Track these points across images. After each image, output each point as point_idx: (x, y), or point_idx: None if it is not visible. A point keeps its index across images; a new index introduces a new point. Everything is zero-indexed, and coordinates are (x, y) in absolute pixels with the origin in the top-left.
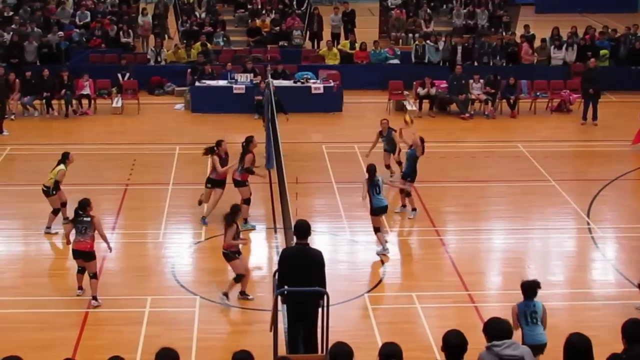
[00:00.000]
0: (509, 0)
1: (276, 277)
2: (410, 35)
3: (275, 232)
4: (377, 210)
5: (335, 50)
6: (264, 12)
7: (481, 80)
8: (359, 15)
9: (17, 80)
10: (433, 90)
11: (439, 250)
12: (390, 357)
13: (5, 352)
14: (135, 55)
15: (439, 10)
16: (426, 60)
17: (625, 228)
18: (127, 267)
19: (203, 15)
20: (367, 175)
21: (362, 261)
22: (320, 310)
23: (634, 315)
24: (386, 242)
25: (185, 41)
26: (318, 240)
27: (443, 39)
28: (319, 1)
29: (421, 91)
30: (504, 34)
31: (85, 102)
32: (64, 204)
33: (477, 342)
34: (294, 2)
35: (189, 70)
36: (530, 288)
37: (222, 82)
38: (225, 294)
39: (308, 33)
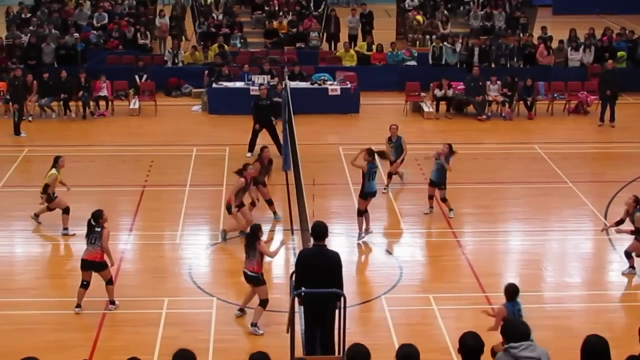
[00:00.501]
0: (526, 2)
1: (293, 278)
2: (428, 36)
3: (292, 233)
4: (367, 195)
5: (352, 51)
6: (281, 13)
7: (498, 82)
8: (376, 16)
9: (35, 81)
10: (450, 92)
11: (456, 252)
12: (407, 359)
13: (22, 353)
14: (152, 56)
15: (456, 12)
16: (443, 62)
17: None
18: (144, 269)
19: (220, 16)
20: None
21: (378, 263)
22: (337, 311)
23: None
24: (367, 231)
25: (202, 43)
26: (335, 242)
27: (460, 40)
28: (337, 3)
29: (438, 93)
30: (521, 35)
31: (102, 103)
32: (50, 210)
33: (494, 343)
34: (311, 4)
35: (206, 71)
36: (514, 291)
37: (239, 84)
38: (255, 325)
39: (325, 34)
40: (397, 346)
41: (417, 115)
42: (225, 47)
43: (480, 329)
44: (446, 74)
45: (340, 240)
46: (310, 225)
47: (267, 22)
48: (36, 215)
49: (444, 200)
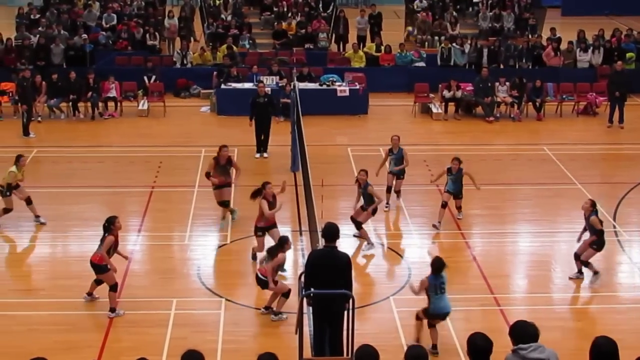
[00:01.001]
0: (536, 3)
1: (302, 279)
2: (436, 37)
3: (301, 234)
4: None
5: (361, 52)
6: (289, 14)
7: (507, 83)
8: (384, 17)
9: (44, 82)
10: (459, 93)
11: (464, 253)
12: None
13: (31, 353)
14: (161, 57)
15: (464, 13)
16: (452, 63)
17: None
18: (152, 269)
19: (229, 17)
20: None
21: (387, 264)
22: (346, 312)
23: None
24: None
25: (211, 44)
26: (343, 243)
27: (469, 41)
28: (345, 4)
29: (447, 94)
30: (530, 36)
31: (111, 104)
32: (28, 201)
33: (503, 344)
34: (320, 5)
35: (214, 72)
36: (440, 266)
37: (247, 85)
38: (279, 313)
39: (334, 35)
40: (405, 347)
41: (425, 117)
42: (234, 48)
43: (489, 330)
44: (455, 75)
45: (349, 242)
46: (318, 226)
47: (275, 23)
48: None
49: (459, 209)
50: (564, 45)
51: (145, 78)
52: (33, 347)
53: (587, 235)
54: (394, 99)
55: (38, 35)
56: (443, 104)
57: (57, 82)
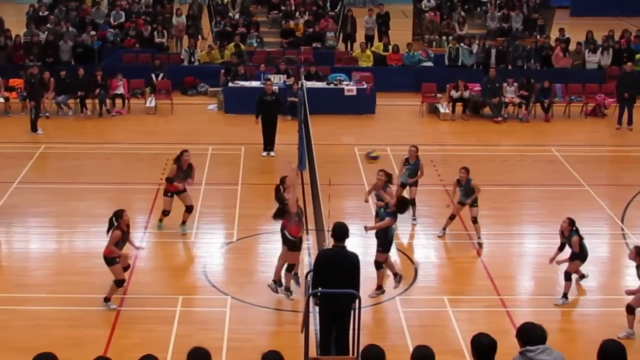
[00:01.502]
0: (544, 3)
1: (309, 278)
2: (444, 37)
3: (307, 233)
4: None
5: (368, 52)
6: (297, 13)
7: (515, 84)
8: (392, 17)
9: (52, 79)
10: (466, 93)
11: (471, 254)
12: None
13: (37, 348)
14: (169, 55)
15: (473, 13)
16: (460, 63)
17: None
18: (158, 266)
19: (237, 16)
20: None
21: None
22: (352, 312)
23: None
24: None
25: (218, 42)
26: (350, 242)
27: (477, 41)
28: (353, 3)
29: (454, 94)
30: (538, 37)
31: (118, 101)
32: None
33: (509, 346)
34: (328, 4)
35: (222, 71)
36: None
37: (255, 83)
38: (288, 289)
39: (341, 35)
40: (411, 348)
41: (433, 117)
42: (242, 46)
43: (495, 331)
44: (463, 75)
45: (355, 241)
46: (325, 225)
47: (283, 22)
48: None
49: (475, 221)
50: (572, 46)
51: (153, 76)
52: (39, 342)
53: (563, 255)
54: (401, 98)
55: (47, 32)
56: (450, 104)
57: (65, 79)
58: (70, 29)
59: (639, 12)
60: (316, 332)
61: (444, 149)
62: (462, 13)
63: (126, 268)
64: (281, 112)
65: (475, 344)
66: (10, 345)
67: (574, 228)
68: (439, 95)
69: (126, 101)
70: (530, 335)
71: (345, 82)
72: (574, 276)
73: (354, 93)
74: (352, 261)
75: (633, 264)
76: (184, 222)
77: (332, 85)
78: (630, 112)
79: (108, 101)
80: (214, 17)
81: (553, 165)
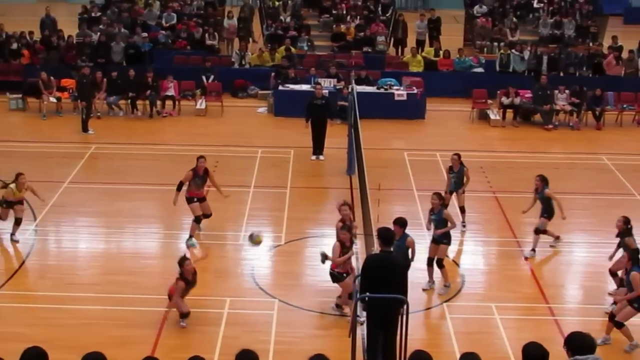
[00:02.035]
0: (597, 11)
1: (356, 283)
2: (495, 43)
3: (355, 237)
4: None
5: (419, 57)
6: (348, 17)
7: (566, 91)
8: (443, 22)
9: (104, 79)
10: (517, 100)
11: (519, 262)
12: None
13: (85, 347)
14: (219, 57)
15: (525, 19)
16: (511, 70)
17: None
18: (206, 268)
19: (288, 19)
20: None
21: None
22: (399, 317)
23: None
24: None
25: (269, 45)
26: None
27: (528, 48)
28: (405, 8)
29: (505, 100)
30: (590, 44)
31: (169, 103)
32: (17, 221)
33: (556, 355)
34: (379, 8)
35: (272, 73)
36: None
37: (305, 87)
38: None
39: (392, 39)
40: (458, 354)
41: (483, 123)
42: (292, 49)
43: (543, 340)
44: (513, 81)
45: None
46: (374, 231)
47: (334, 26)
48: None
49: (543, 232)
50: (625, 54)
51: (204, 77)
52: (87, 341)
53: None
54: (451, 104)
55: (99, 33)
56: (501, 110)
57: (116, 79)
58: (122, 30)
59: None
60: (363, 337)
61: (493, 156)
62: (514, 19)
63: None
64: (331, 116)
65: (526, 354)
66: (58, 344)
67: (629, 226)
68: (489, 101)
69: (176, 103)
70: (579, 344)
71: (395, 87)
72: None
73: (404, 98)
74: (400, 266)
75: None
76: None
77: (382, 90)
78: None
79: (158, 102)
80: (265, 20)
81: (604, 174)
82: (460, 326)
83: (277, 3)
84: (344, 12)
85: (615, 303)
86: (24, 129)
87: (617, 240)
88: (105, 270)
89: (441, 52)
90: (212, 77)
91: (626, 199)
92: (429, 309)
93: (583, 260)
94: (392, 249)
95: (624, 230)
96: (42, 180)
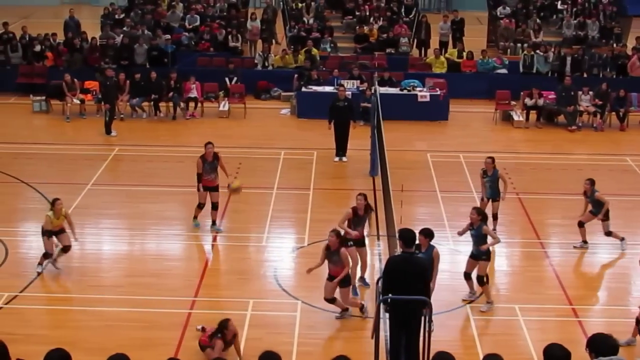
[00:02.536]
0: (621, 12)
1: (379, 284)
2: (519, 45)
3: (378, 239)
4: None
5: (442, 58)
6: (371, 19)
7: (590, 92)
8: (467, 24)
9: (128, 81)
10: (541, 101)
11: (542, 263)
12: None
13: (109, 349)
14: (242, 59)
15: (548, 20)
16: (534, 71)
17: None
18: (229, 270)
19: (311, 21)
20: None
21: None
22: (422, 319)
23: None
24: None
25: (292, 46)
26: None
27: (552, 49)
28: (428, 9)
29: (529, 101)
30: (614, 45)
31: (192, 104)
32: (65, 249)
33: (579, 357)
34: (402, 10)
35: (295, 75)
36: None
37: (328, 88)
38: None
39: (415, 41)
40: (481, 356)
41: (506, 124)
42: (315, 51)
43: (567, 341)
44: (537, 82)
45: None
46: (397, 232)
47: (357, 27)
48: (54, 261)
49: (609, 233)
50: None
51: (227, 79)
52: (110, 343)
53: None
54: (474, 105)
55: (122, 35)
56: (524, 111)
57: (139, 81)
58: (146, 32)
59: None
60: (386, 339)
61: (517, 157)
62: (538, 20)
63: None
64: (354, 118)
65: (548, 355)
66: (82, 346)
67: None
68: (512, 102)
69: (199, 104)
70: (602, 345)
71: (418, 88)
72: None
73: (427, 99)
74: (422, 267)
75: None
76: (214, 222)
77: (405, 91)
78: None
79: (182, 104)
80: (288, 21)
81: (628, 175)
82: (483, 327)
83: (300, 5)
84: (367, 13)
85: None
86: (48, 131)
87: None
88: (129, 272)
89: (464, 54)
90: (235, 78)
91: None
92: (452, 310)
93: (607, 261)
94: (414, 250)
95: None
96: (66, 182)
